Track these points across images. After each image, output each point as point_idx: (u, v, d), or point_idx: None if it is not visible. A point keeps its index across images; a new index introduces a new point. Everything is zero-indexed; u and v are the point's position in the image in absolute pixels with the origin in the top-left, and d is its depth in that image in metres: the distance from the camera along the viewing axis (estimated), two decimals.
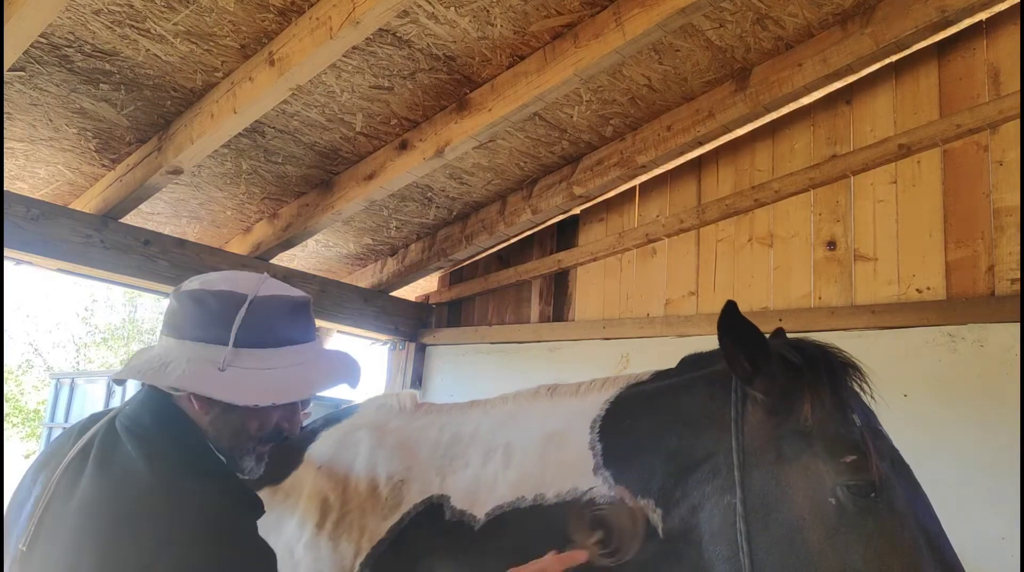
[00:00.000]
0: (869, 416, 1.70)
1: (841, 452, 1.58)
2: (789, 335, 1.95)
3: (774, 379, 1.68)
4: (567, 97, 3.76)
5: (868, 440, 1.60)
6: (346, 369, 1.67)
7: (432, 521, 1.92)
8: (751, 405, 1.70)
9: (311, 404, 2.33)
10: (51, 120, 3.62)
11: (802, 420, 1.64)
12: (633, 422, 1.82)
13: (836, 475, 1.56)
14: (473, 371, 5.20)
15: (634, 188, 4.66)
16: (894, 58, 3.65)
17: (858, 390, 1.72)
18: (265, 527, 2.05)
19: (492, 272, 5.28)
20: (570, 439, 1.85)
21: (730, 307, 1.68)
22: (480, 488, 1.89)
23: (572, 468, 1.80)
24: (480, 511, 1.86)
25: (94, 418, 2.44)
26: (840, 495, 1.55)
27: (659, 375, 1.92)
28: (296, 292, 1.64)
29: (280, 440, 1.63)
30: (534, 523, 1.77)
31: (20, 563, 1.46)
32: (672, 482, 1.72)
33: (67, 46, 3.17)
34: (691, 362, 1.91)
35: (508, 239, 5.10)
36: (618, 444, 1.80)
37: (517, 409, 2.01)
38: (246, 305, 1.52)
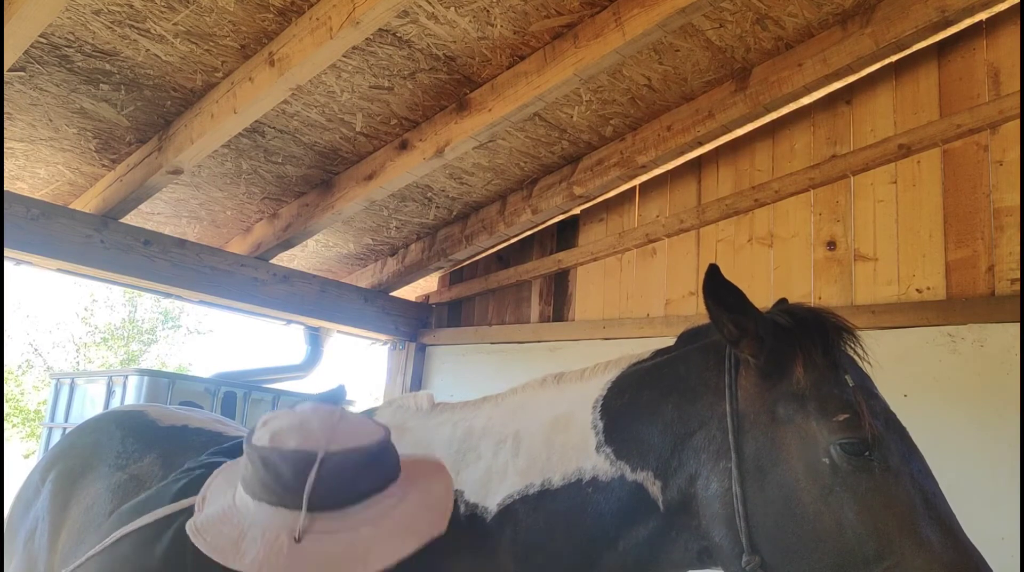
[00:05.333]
0: (863, 377, 1.71)
1: (834, 411, 1.59)
2: None
3: (761, 340, 1.69)
4: (567, 97, 3.76)
5: (861, 399, 1.60)
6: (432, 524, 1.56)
7: None
8: (744, 370, 1.72)
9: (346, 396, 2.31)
10: (51, 120, 3.62)
11: (795, 382, 1.65)
12: (632, 398, 1.84)
13: (829, 434, 1.57)
14: (473, 371, 5.20)
15: (634, 188, 4.65)
16: (894, 58, 3.65)
17: (852, 355, 1.73)
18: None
19: (492, 272, 5.28)
20: (574, 422, 1.87)
21: (713, 270, 1.71)
22: (492, 479, 1.90)
23: (576, 449, 1.82)
24: (492, 502, 1.87)
25: (99, 420, 2.44)
26: (834, 454, 1.56)
27: (659, 352, 1.95)
28: (368, 439, 1.54)
29: None
30: (543, 509, 1.78)
31: None
32: (669, 452, 1.73)
33: (67, 46, 3.17)
34: (689, 335, 1.94)
35: (508, 239, 5.10)
36: (618, 421, 1.82)
37: (526, 398, 2.03)
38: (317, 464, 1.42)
